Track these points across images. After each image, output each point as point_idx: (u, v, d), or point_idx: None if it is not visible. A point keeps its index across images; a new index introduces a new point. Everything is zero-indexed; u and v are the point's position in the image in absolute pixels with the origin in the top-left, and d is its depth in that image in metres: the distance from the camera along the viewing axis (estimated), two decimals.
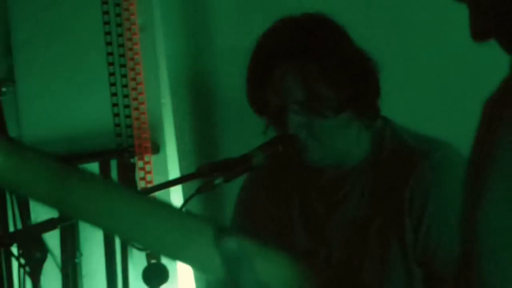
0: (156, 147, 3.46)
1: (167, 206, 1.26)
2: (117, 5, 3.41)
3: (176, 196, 3.37)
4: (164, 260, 3.31)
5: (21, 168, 1.18)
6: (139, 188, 3.39)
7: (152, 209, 1.23)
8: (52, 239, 3.35)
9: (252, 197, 2.49)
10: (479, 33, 1.15)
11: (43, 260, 2.58)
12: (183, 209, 2.43)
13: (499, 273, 1.05)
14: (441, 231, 2.20)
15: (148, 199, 1.25)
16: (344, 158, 2.33)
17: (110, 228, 1.26)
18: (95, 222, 1.23)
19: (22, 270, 2.60)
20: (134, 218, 1.22)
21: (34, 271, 2.56)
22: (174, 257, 1.28)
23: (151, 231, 1.23)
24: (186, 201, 2.60)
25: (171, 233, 1.23)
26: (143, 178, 3.43)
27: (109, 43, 3.40)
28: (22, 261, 2.58)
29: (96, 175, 1.25)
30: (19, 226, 2.88)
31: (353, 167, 2.34)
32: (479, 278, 1.06)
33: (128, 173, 3.41)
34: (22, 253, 2.57)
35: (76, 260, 3.46)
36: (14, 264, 2.80)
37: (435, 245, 2.21)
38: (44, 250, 2.58)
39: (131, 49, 3.42)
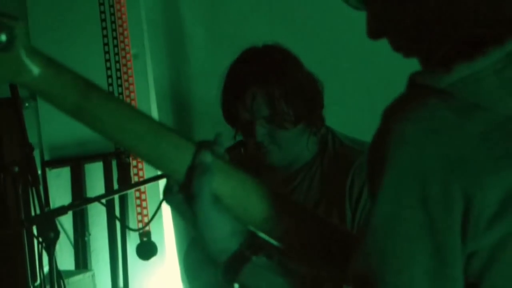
0: None
1: (161, 125, 1.21)
2: (115, 38, 3.39)
3: (162, 187, 3.31)
4: (154, 238, 3.33)
5: (55, 79, 1.13)
6: (132, 181, 3.38)
7: (149, 125, 1.19)
8: (67, 222, 3.45)
9: None
10: (373, 33, 1.13)
11: (56, 238, 2.51)
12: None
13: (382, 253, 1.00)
14: None
15: (146, 118, 1.20)
16: (296, 159, 2.33)
17: (116, 139, 1.20)
18: (104, 133, 1.18)
19: (40, 246, 2.57)
20: (135, 130, 1.17)
21: (49, 247, 2.51)
22: (153, 162, 1.22)
23: (145, 143, 1.18)
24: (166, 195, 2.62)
25: (159, 144, 1.18)
26: (136, 174, 3.42)
27: (108, 68, 3.39)
28: (40, 239, 2.55)
29: (111, 93, 1.17)
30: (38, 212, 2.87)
31: (302, 166, 2.35)
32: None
33: (124, 170, 3.39)
34: (40, 233, 2.56)
35: (86, 239, 3.50)
36: (34, 241, 2.80)
37: None
38: (56, 231, 2.53)
39: (126, 73, 3.41)
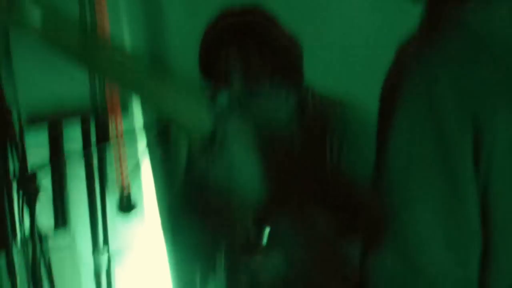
0: (125, 107, 3.36)
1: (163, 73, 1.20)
2: None
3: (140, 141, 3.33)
4: (133, 193, 3.32)
5: (59, 25, 1.11)
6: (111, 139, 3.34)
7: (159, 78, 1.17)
8: (45, 179, 3.23)
9: None
10: None
11: (36, 194, 2.55)
12: None
13: (400, 188, 1.01)
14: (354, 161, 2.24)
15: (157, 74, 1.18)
16: (275, 119, 2.33)
17: (121, 84, 1.17)
18: (109, 77, 1.16)
19: (20, 202, 2.57)
20: (133, 75, 1.14)
21: (30, 203, 2.53)
22: (173, 114, 1.21)
23: (156, 92, 1.16)
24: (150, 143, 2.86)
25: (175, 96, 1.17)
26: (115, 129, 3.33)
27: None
28: (21, 195, 2.54)
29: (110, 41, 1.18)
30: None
31: (283, 124, 2.34)
32: (384, 192, 1.03)
33: (103, 126, 3.31)
34: (20, 188, 2.55)
35: (64, 196, 3.44)
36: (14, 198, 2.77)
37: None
38: (37, 186, 2.54)
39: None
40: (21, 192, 2.56)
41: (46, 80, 3.39)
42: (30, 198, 2.56)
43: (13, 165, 2.70)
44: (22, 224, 2.71)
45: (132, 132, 3.22)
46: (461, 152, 0.98)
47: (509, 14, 1.01)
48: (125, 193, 3.27)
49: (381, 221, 1.01)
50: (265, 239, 1.24)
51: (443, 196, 0.99)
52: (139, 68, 1.23)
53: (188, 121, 1.26)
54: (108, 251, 3.33)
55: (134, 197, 3.26)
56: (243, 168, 1.24)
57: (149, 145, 2.69)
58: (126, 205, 3.23)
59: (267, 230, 1.24)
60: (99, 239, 3.39)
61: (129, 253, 3.44)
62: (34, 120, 3.47)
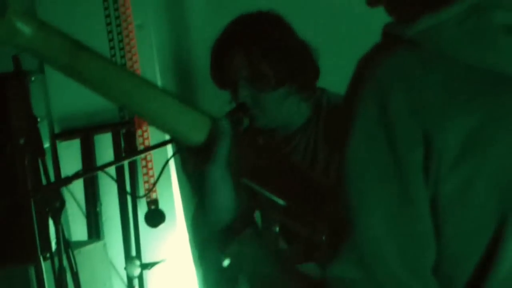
0: None
1: (151, 84, 1.23)
2: (116, 10, 3.35)
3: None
4: (164, 206, 3.32)
5: (46, 41, 1.16)
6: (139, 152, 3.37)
7: (136, 83, 1.21)
8: (79, 192, 3.44)
9: None
10: (370, 1, 1.16)
11: (61, 208, 2.56)
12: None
13: (356, 192, 1.02)
14: None
15: (135, 76, 1.23)
16: (288, 122, 2.32)
17: (107, 96, 1.22)
18: (97, 90, 1.21)
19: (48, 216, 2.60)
20: (122, 88, 1.20)
21: (55, 216, 2.55)
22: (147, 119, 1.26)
23: (134, 100, 1.20)
24: (172, 155, 2.79)
25: (149, 101, 1.21)
26: (142, 143, 3.39)
27: (111, 40, 3.35)
28: (46, 209, 2.56)
29: (101, 54, 1.22)
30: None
31: (298, 128, 2.33)
32: (343, 199, 1.03)
33: (130, 140, 3.37)
34: (45, 202, 2.57)
35: (97, 209, 3.48)
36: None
37: None
38: (62, 200, 2.56)
39: (128, 44, 3.36)
40: (47, 205, 2.56)
41: (78, 93, 3.33)
42: (55, 211, 2.55)
43: (46, 179, 2.72)
44: (50, 237, 2.72)
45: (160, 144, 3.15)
46: (412, 162, 0.99)
47: (459, 39, 1.03)
48: (153, 207, 3.28)
49: (339, 229, 1.02)
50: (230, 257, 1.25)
51: (395, 203, 1.00)
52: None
53: (178, 133, 1.27)
54: (140, 263, 3.33)
55: (162, 210, 3.27)
56: (219, 186, 1.25)
57: (176, 156, 2.68)
58: (154, 219, 3.23)
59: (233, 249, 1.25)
60: (132, 251, 3.40)
61: (161, 264, 3.43)
62: (67, 133, 3.51)
